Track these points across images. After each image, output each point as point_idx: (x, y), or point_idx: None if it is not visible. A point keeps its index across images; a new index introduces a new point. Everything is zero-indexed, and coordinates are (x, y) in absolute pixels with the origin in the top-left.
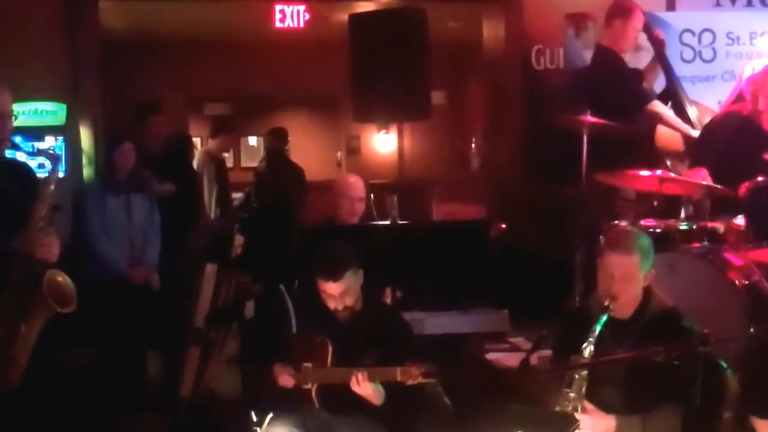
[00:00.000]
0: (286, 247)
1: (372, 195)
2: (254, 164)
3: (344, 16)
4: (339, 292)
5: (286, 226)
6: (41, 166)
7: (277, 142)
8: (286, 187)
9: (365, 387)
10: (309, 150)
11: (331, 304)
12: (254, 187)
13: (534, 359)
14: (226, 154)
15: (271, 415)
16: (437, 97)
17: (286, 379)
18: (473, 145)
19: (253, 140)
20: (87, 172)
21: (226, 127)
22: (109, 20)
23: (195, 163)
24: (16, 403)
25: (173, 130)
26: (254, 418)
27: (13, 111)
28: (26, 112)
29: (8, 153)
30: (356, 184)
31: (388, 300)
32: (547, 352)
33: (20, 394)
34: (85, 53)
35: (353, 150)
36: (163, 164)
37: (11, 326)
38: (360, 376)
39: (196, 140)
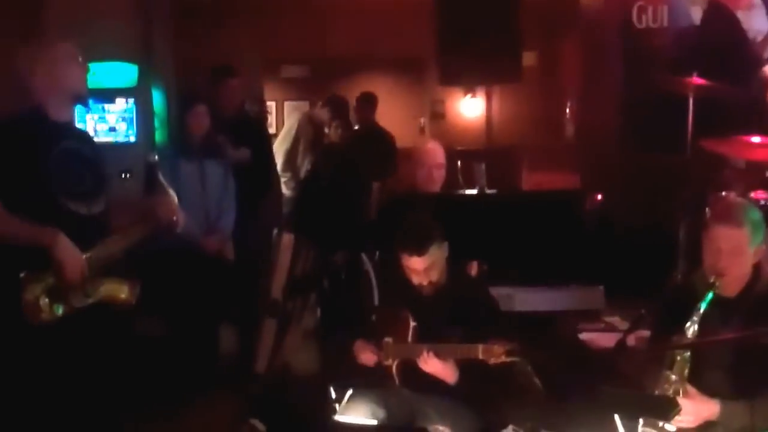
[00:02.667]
0: (356, 217)
1: (458, 163)
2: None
3: None
4: (424, 267)
5: (357, 196)
6: (112, 129)
7: (365, 108)
8: (357, 156)
9: (433, 364)
10: (390, 115)
11: (416, 279)
12: (323, 155)
13: (631, 340)
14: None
15: (350, 391)
16: (528, 59)
17: (367, 357)
18: (567, 110)
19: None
20: (159, 136)
21: (342, 110)
22: None
23: (294, 125)
24: (86, 371)
25: (249, 94)
26: (333, 395)
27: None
28: (97, 74)
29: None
30: (433, 150)
31: (474, 274)
32: (645, 333)
33: (92, 363)
34: (157, 13)
35: (437, 115)
36: (237, 129)
37: None
38: (425, 354)
39: (271, 104)
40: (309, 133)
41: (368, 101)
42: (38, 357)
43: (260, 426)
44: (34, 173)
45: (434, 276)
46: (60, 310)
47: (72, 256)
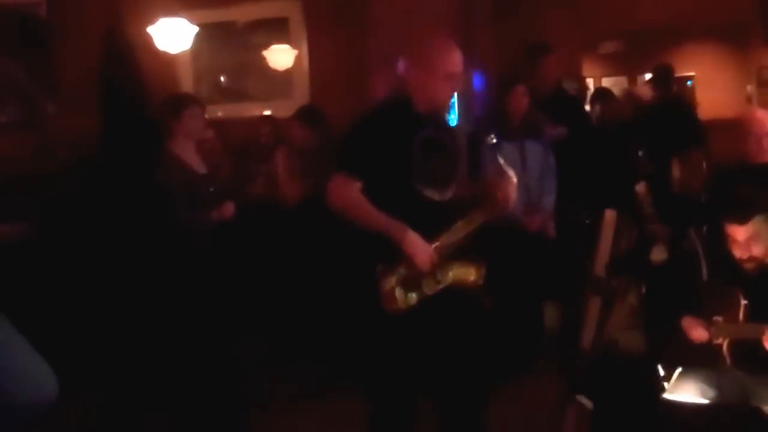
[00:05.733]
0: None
1: None
2: None
3: None
4: (744, 238)
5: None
6: None
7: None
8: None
9: None
10: (714, 84)
11: (737, 252)
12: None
13: None
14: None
15: (679, 369)
16: None
17: (698, 333)
18: None
19: (648, 78)
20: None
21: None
22: None
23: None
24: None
25: (566, 71)
26: (661, 373)
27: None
28: None
29: None
30: (762, 118)
31: None
32: None
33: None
34: None
35: (766, 82)
36: (555, 106)
37: None
38: None
39: (589, 80)
40: (626, 112)
41: (663, 74)
42: (397, 341)
43: (587, 403)
44: (395, 159)
45: (756, 251)
46: (414, 299)
47: (421, 248)
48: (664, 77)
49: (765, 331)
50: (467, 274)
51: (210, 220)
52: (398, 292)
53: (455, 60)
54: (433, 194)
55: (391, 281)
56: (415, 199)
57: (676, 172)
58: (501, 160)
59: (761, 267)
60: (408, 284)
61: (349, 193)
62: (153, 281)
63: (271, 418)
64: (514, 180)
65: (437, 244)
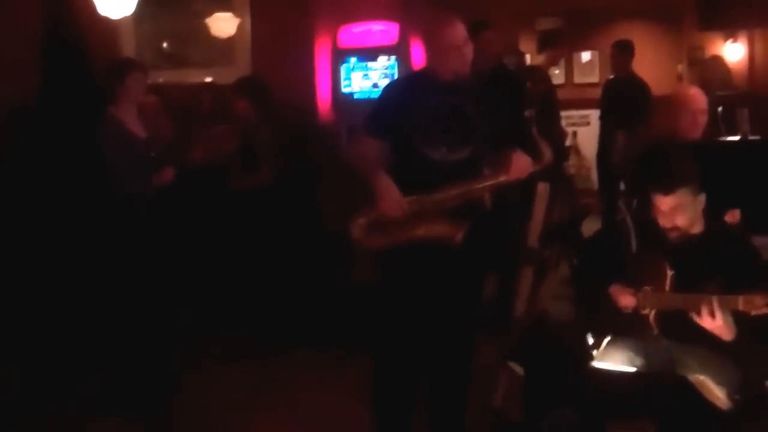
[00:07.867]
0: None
1: (720, 108)
2: (588, 80)
3: None
4: (669, 208)
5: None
6: (375, 85)
7: (619, 56)
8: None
9: (715, 318)
10: (647, 63)
11: (661, 221)
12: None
13: None
14: (556, 71)
15: (608, 338)
16: None
17: (626, 300)
18: None
19: (586, 55)
20: None
21: (555, 41)
22: None
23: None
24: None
25: (504, 47)
26: (590, 341)
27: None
28: (360, 33)
29: None
30: (696, 96)
31: (735, 223)
32: None
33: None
34: None
35: (696, 62)
36: (496, 82)
37: None
38: (708, 308)
39: (527, 56)
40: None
41: (623, 49)
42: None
43: (518, 369)
44: (400, 119)
45: (680, 221)
46: (379, 240)
47: (387, 194)
48: (625, 52)
49: (700, 303)
50: (440, 230)
51: (150, 184)
52: (362, 230)
53: (454, 32)
54: (433, 153)
55: (361, 220)
56: (413, 157)
57: (619, 146)
58: (534, 133)
59: (684, 237)
60: (376, 226)
61: (356, 146)
62: (92, 245)
63: (202, 380)
64: (547, 154)
65: (415, 197)
